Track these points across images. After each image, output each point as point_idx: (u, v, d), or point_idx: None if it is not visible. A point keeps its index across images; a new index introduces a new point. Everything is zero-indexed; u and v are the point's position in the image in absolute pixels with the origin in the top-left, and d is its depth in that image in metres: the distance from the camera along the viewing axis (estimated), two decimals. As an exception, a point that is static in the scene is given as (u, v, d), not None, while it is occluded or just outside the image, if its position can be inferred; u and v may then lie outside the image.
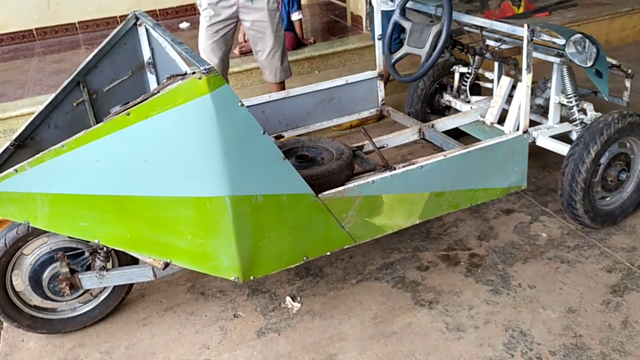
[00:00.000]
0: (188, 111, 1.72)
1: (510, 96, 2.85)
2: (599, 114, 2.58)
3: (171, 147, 1.78)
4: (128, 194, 1.83)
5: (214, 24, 3.22)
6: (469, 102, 3.12)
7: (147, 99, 1.74)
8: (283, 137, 2.92)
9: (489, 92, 3.10)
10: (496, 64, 2.98)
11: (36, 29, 5.63)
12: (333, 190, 2.07)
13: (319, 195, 2.03)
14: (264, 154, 1.85)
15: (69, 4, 5.62)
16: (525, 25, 2.25)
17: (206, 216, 1.86)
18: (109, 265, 2.18)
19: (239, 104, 1.76)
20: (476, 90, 3.28)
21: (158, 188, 1.83)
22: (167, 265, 2.03)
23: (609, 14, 5.11)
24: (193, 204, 1.85)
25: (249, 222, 1.90)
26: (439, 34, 2.52)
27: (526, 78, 2.33)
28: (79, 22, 5.73)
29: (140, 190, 1.83)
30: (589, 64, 2.39)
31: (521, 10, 5.22)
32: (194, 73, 1.71)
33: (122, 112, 1.76)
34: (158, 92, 1.75)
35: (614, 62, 2.69)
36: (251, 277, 2.01)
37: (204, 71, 1.68)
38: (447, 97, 3.27)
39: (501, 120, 2.83)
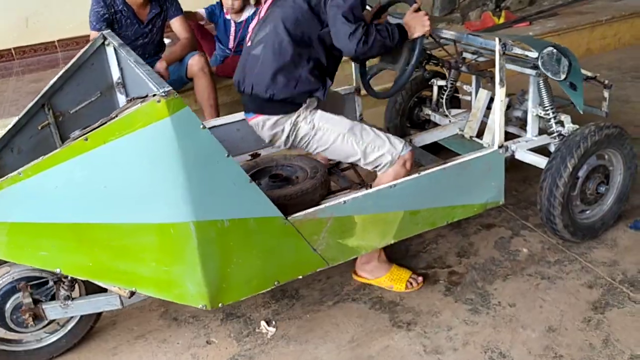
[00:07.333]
0: (147, 135, 1.67)
1: (489, 109, 2.81)
2: (576, 126, 2.53)
3: (132, 173, 1.72)
4: (88, 221, 1.77)
5: None
6: (447, 115, 3.08)
7: (105, 123, 1.69)
8: (259, 155, 2.86)
9: (469, 105, 3.07)
10: (473, 77, 2.94)
11: (14, 48, 5.55)
12: (303, 212, 2.01)
13: (289, 218, 1.97)
14: (229, 178, 1.80)
15: (48, 22, 5.54)
16: (497, 39, 2.21)
17: (170, 243, 1.80)
18: (75, 294, 2.11)
19: (201, 126, 1.71)
20: (456, 103, 3.25)
21: (119, 215, 1.77)
22: (133, 293, 1.96)
23: (590, 23, 5.11)
24: (156, 231, 1.78)
25: (215, 247, 1.84)
26: (412, 49, 2.48)
27: (499, 92, 2.28)
28: (58, 41, 5.66)
29: (100, 218, 1.77)
30: (562, 77, 2.35)
31: (502, 20, 5.21)
32: (153, 96, 1.66)
33: (80, 137, 1.70)
34: (116, 116, 1.70)
35: (589, 74, 2.65)
36: (219, 304, 1.94)
37: (163, 94, 1.63)
38: (426, 111, 3.23)
39: (481, 133, 2.80)
